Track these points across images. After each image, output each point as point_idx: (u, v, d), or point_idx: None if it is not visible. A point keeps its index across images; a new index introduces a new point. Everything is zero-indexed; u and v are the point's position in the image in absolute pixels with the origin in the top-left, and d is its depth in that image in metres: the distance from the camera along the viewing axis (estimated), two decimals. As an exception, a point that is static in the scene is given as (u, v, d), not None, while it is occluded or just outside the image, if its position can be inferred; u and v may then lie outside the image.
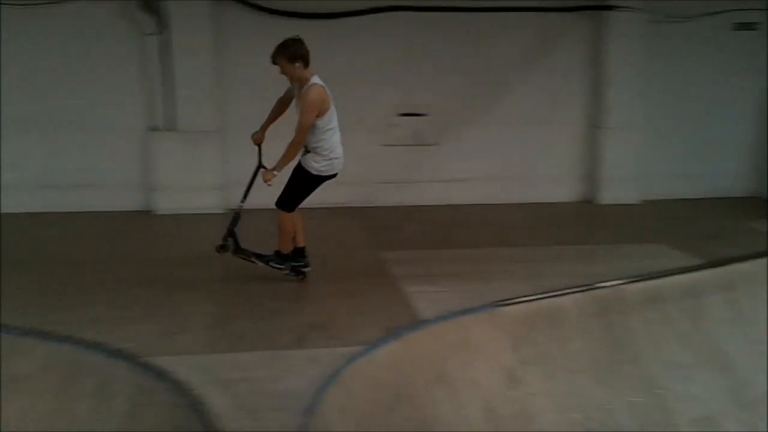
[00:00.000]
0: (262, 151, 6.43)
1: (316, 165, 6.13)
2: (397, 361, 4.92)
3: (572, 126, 10.19)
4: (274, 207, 6.32)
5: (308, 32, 8.96)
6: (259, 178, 6.29)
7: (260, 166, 6.37)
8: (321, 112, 5.97)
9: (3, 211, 8.61)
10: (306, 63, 5.99)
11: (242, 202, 6.45)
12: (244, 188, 6.49)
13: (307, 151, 6.16)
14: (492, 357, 5.19)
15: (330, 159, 6.14)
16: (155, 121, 9.03)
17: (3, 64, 8.64)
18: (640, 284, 5.97)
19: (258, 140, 6.41)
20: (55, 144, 8.97)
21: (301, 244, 6.53)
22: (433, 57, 9.60)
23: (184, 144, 9.00)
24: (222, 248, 6.42)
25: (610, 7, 9.70)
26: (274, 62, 5.98)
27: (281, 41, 5.99)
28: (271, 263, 6.49)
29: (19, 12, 8.56)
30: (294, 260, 6.52)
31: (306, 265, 6.58)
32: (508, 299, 5.50)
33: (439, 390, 4.84)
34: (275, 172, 6.02)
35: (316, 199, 9.04)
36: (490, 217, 9.32)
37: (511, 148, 10.01)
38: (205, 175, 9.06)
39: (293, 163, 6.22)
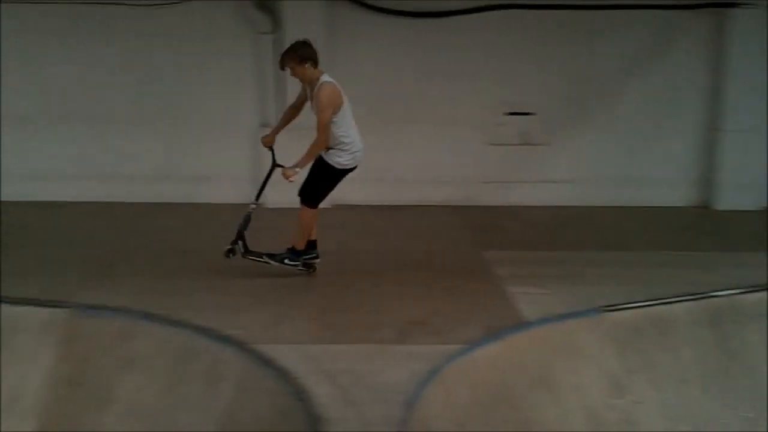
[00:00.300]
0: (274, 151, 6.57)
1: (340, 160, 6.20)
2: (498, 362, 4.88)
3: (687, 128, 9.82)
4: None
5: (418, 30, 9.14)
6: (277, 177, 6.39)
7: (276, 165, 6.44)
8: (336, 109, 6.03)
9: (127, 200, 9.04)
10: (315, 63, 6.06)
11: (255, 202, 6.53)
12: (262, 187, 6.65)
13: (329, 148, 6.19)
14: (597, 363, 5.06)
15: (353, 153, 6.21)
16: (267, 118, 9.25)
17: (125, 63, 9.06)
18: (759, 295, 5.70)
19: (269, 143, 6.53)
20: (171, 138, 9.34)
21: (313, 237, 6.58)
22: (542, 55, 9.45)
23: (291, 140, 9.15)
24: (230, 252, 6.43)
25: (733, 4, 9.29)
26: (284, 66, 6.05)
27: (289, 45, 6.13)
28: (285, 261, 6.50)
29: (140, 12, 8.95)
30: (306, 253, 6.54)
31: (317, 257, 6.60)
32: (616, 304, 5.36)
33: (541, 393, 4.77)
34: (297, 169, 6.07)
35: (419, 196, 9.19)
36: (598, 219, 9.10)
37: (621, 149, 9.74)
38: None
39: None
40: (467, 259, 7.27)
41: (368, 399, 4.23)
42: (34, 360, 5.55)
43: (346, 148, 6.15)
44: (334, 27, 9.05)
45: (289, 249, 6.49)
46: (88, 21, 9.08)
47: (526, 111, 9.63)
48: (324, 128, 5.97)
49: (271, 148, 6.51)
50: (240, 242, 6.43)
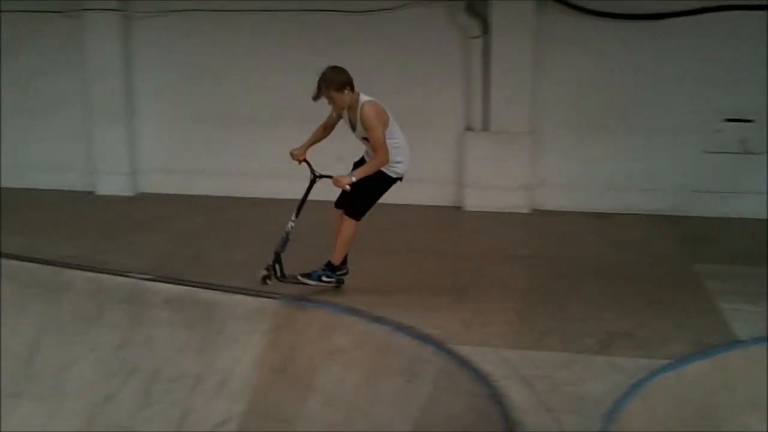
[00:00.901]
0: (310, 163, 6.28)
1: (395, 168, 6.01)
2: (706, 380, 4.62)
3: None
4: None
5: (629, 34, 8.81)
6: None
7: (317, 177, 6.19)
8: (385, 124, 5.85)
9: (330, 199, 9.46)
10: (353, 87, 5.86)
11: (293, 221, 6.17)
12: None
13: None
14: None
15: (404, 161, 6.06)
16: (472, 121, 9.32)
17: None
18: None
19: (299, 156, 6.26)
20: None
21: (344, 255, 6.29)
22: (762, 59, 8.75)
23: (495, 144, 9.19)
24: (266, 279, 6.15)
25: None
26: (319, 96, 5.80)
27: (321, 75, 5.84)
28: (323, 279, 6.21)
29: (351, 19, 9.33)
30: (340, 269, 6.28)
31: (347, 273, 6.34)
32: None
33: (751, 416, 4.45)
34: (353, 179, 5.79)
35: (626, 204, 8.85)
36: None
37: None
38: (514, 175, 9.16)
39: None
40: (676, 272, 6.90)
41: (566, 408, 4.14)
42: (246, 346, 5.96)
43: (399, 156, 6.01)
44: (542, 30, 8.95)
45: (326, 264, 6.24)
46: (303, 29, 9.60)
47: (746, 118, 8.98)
48: (382, 146, 5.80)
49: (305, 162, 6.26)
50: (276, 266, 6.15)
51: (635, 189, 8.96)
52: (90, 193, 10.41)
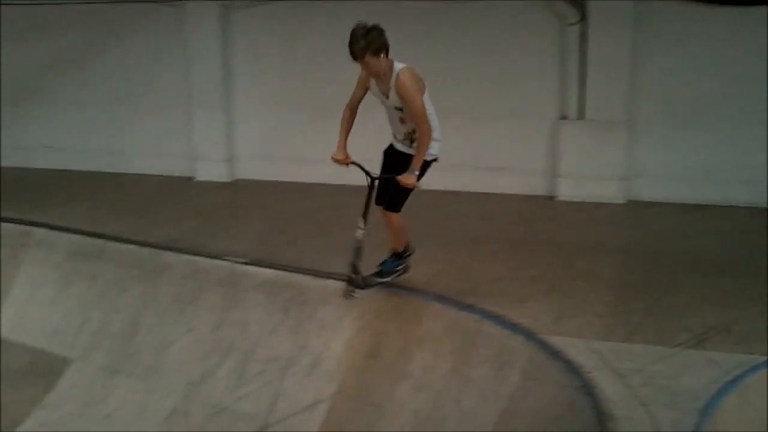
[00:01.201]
0: (360, 164, 5.51)
1: (430, 150, 5.36)
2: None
3: None
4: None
5: (731, 21, 8.45)
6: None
7: (374, 178, 5.51)
8: (423, 90, 5.21)
9: (430, 188, 9.50)
10: (388, 50, 5.12)
11: (363, 228, 5.52)
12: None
13: (412, 141, 5.42)
14: None
15: (439, 140, 5.40)
16: (566, 110, 9.16)
17: (420, 57, 9.48)
18: None
19: (345, 160, 5.49)
20: (469, 129, 9.58)
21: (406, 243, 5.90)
22: None
23: (591, 133, 9.01)
24: (351, 293, 5.73)
25: None
26: (356, 59, 5.08)
27: (355, 34, 5.05)
28: (397, 270, 5.83)
29: (442, 6, 9.29)
30: (405, 252, 5.88)
31: (412, 251, 5.95)
32: None
33: None
34: (416, 172, 5.22)
35: (724, 196, 8.53)
36: None
37: None
38: (610, 165, 8.96)
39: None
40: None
41: (659, 401, 4.05)
42: (337, 330, 6.08)
43: (435, 132, 5.33)
44: (641, 16, 8.69)
45: (391, 255, 5.84)
46: (396, 18, 9.51)
47: None
48: (423, 116, 5.15)
49: (354, 164, 5.48)
50: (356, 276, 5.67)
51: (734, 181, 8.60)
52: (190, 179, 10.75)
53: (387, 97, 5.31)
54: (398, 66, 5.18)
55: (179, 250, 7.23)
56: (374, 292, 5.86)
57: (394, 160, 5.57)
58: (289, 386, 5.86)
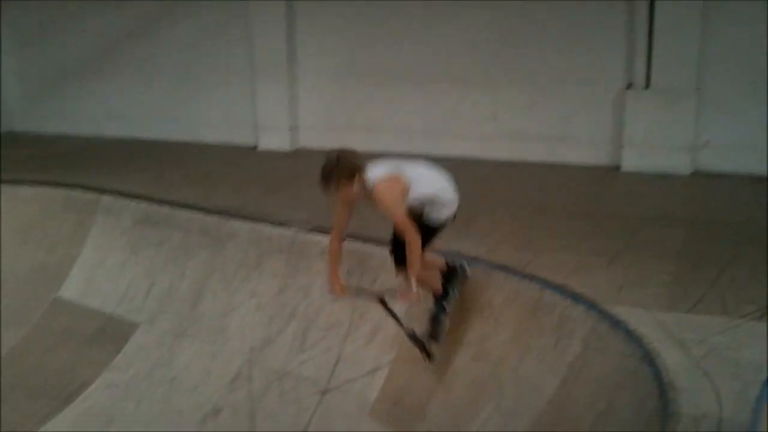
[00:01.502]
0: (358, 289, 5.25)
1: (439, 215, 4.98)
2: None
3: None
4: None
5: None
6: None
7: (382, 298, 5.17)
8: (404, 193, 4.70)
9: (486, 157, 9.48)
10: (363, 170, 4.64)
11: (405, 329, 5.23)
12: None
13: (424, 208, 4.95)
14: None
15: (449, 203, 4.98)
16: (633, 78, 8.98)
17: (492, 25, 9.40)
18: None
19: (341, 293, 5.12)
20: (533, 98, 9.50)
21: (441, 267, 5.36)
22: None
23: (658, 102, 8.82)
24: (431, 358, 5.37)
25: None
26: (330, 192, 4.65)
27: (327, 164, 4.61)
28: (446, 311, 5.31)
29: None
30: (449, 282, 5.34)
31: (461, 270, 5.43)
32: None
33: None
34: (414, 288, 4.75)
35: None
36: None
37: None
38: (677, 134, 8.78)
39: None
40: None
41: (723, 372, 3.99)
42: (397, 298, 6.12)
43: (441, 200, 4.94)
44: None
45: (435, 301, 5.33)
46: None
47: None
48: (406, 224, 4.65)
49: (353, 292, 5.21)
50: (430, 341, 5.32)
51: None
52: (254, 148, 10.91)
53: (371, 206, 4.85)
54: (371, 177, 4.67)
55: (244, 217, 7.36)
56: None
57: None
58: (350, 352, 5.95)
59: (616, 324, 4.65)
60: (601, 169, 9.10)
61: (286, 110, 10.78)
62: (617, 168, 9.07)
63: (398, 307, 5.21)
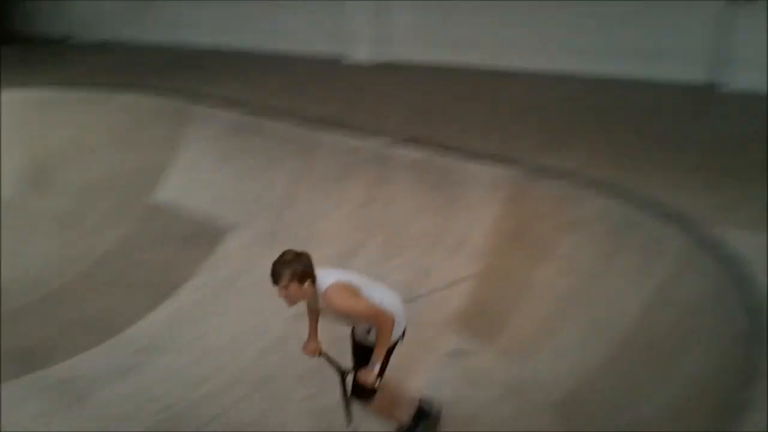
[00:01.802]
0: (330, 356, 4.53)
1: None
2: None
3: None
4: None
5: None
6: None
7: (344, 371, 4.54)
8: (357, 292, 4.36)
9: (575, 73, 9.22)
10: (314, 279, 4.27)
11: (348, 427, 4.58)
12: None
13: (368, 331, 4.52)
14: None
15: (401, 319, 4.49)
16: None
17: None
18: None
19: (315, 351, 4.61)
20: (625, 9, 9.07)
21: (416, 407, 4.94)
22: None
23: (763, 16, 8.32)
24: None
25: None
26: (276, 283, 4.19)
27: (278, 261, 4.20)
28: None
29: None
30: (419, 417, 4.93)
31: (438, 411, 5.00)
32: None
33: None
34: (377, 367, 4.35)
35: None
36: None
37: None
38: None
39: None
40: None
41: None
42: (482, 211, 6.14)
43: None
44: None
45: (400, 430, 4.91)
46: None
47: None
48: (376, 312, 4.31)
49: (325, 355, 4.58)
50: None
51: None
52: (341, 60, 10.87)
53: (322, 313, 4.55)
54: (322, 284, 4.30)
55: (331, 129, 7.41)
56: (521, 176, 5.85)
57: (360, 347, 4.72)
58: (436, 262, 6.03)
59: (709, 245, 4.57)
60: (700, 88, 8.74)
61: (373, 23, 10.64)
62: (716, 86, 8.69)
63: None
